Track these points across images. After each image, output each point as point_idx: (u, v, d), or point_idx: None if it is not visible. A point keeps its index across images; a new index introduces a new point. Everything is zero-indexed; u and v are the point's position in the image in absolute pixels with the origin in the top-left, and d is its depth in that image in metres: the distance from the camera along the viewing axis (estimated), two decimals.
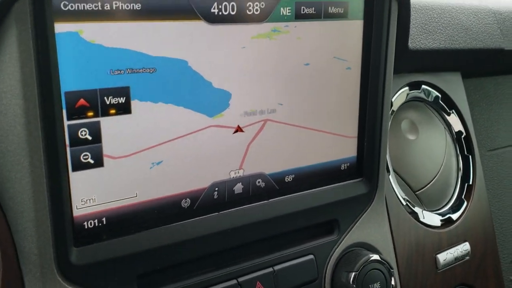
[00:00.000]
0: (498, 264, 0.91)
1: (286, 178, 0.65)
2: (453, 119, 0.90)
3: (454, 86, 0.90)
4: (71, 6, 0.46)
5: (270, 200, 0.63)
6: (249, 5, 0.56)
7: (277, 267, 0.63)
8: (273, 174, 0.64)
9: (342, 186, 0.69)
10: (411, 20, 0.76)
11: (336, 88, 0.66)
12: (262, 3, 0.57)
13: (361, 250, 0.69)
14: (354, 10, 0.65)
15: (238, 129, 0.60)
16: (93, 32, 0.48)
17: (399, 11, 0.67)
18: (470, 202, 0.88)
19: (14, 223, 0.49)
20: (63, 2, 0.45)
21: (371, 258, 0.67)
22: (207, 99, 0.56)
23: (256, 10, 0.57)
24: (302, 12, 0.60)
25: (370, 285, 0.66)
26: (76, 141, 0.49)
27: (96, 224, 0.52)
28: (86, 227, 0.51)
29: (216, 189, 0.60)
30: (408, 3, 0.67)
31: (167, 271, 0.56)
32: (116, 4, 0.48)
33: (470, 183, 0.89)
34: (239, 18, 0.56)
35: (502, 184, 1.01)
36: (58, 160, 0.47)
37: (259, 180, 0.63)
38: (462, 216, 0.86)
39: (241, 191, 0.61)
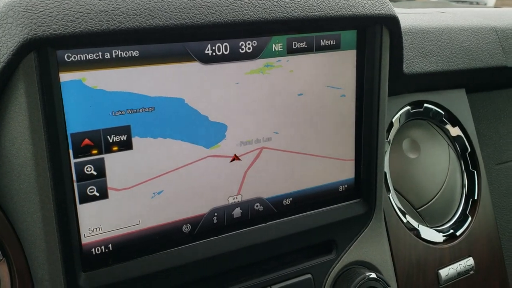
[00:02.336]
0: (505, 277, 0.92)
1: (284, 201, 0.69)
2: (457, 136, 0.91)
3: (457, 103, 0.91)
4: (74, 57, 0.51)
5: (268, 223, 0.67)
6: (242, 44, 0.60)
7: (274, 286, 0.67)
8: (271, 198, 0.68)
9: (340, 207, 0.72)
10: (407, 44, 0.79)
11: (331, 114, 0.70)
12: (254, 41, 0.61)
13: (359, 268, 0.73)
14: (346, 41, 0.68)
15: (235, 158, 0.64)
16: (95, 78, 0.53)
17: (391, 39, 0.70)
18: (474, 217, 0.90)
19: (29, 252, 0.54)
20: (66, 54, 0.51)
21: (368, 276, 0.70)
22: (204, 132, 0.61)
23: (249, 48, 0.61)
24: (293, 47, 0.64)
25: None
26: (82, 177, 0.54)
27: (103, 250, 0.57)
28: (93, 253, 0.57)
29: (216, 214, 0.64)
30: (400, 32, 0.70)
31: None
32: (115, 52, 0.53)
33: (475, 198, 0.91)
34: (232, 57, 0.60)
35: (511, 197, 1.02)
36: (65, 195, 0.53)
37: (257, 204, 0.67)
38: (466, 232, 0.88)
39: (240, 215, 0.66)
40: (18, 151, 0.50)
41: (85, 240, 0.56)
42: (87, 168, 0.54)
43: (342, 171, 0.73)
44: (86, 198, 0.55)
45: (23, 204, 0.52)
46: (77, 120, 0.53)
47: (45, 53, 0.49)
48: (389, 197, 0.81)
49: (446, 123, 0.91)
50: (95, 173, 0.55)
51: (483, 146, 0.99)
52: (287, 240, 0.68)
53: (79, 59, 0.51)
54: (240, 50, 0.60)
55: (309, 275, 0.69)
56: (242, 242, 0.65)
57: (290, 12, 0.60)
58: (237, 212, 0.65)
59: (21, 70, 0.48)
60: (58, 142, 0.51)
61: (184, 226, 0.62)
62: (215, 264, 0.63)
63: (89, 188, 0.55)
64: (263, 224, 0.67)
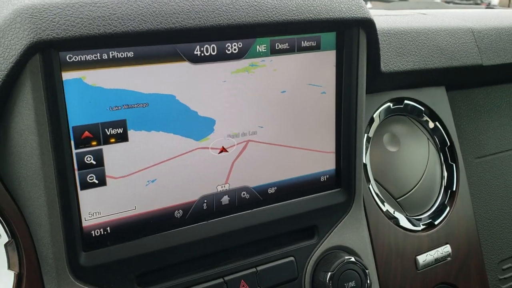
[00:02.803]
0: (481, 265, 0.97)
1: (269, 190, 0.75)
2: (437, 131, 0.97)
3: (437, 99, 0.97)
4: (75, 58, 0.57)
5: (254, 209, 0.73)
6: (228, 46, 0.66)
7: (259, 268, 0.72)
8: (256, 187, 0.73)
9: (322, 195, 0.78)
10: (385, 45, 0.85)
11: (313, 110, 0.75)
12: (240, 43, 0.67)
13: (339, 252, 0.78)
14: (326, 42, 0.74)
15: (223, 150, 0.70)
16: (94, 77, 0.58)
17: (367, 40, 0.76)
18: (453, 207, 0.95)
19: (35, 233, 0.60)
20: (68, 55, 0.56)
21: (347, 260, 0.76)
22: (194, 126, 0.66)
23: (235, 49, 0.67)
24: (276, 48, 0.70)
25: (346, 284, 0.75)
26: (83, 165, 0.60)
27: (102, 233, 0.63)
28: (93, 235, 0.63)
29: (205, 201, 0.70)
30: (375, 33, 0.75)
31: (162, 271, 0.67)
32: (112, 53, 0.59)
33: (454, 189, 0.97)
34: (219, 57, 0.66)
35: (490, 189, 1.07)
36: (67, 182, 0.58)
37: (244, 192, 0.73)
38: (444, 221, 0.93)
39: (228, 202, 0.71)
40: (25, 142, 0.56)
41: (85, 223, 0.62)
42: (87, 158, 0.60)
43: (324, 162, 0.79)
44: (86, 185, 0.61)
45: (30, 190, 0.58)
46: (78, 114, 0.59)
47: (49, 54, 0.55)
48: (369, 187, 0.87)
49: (426, 119, 0.97)
50: (94, 162, 0.61)
51: (463, 141, 1.05)
52: (272, 225, 0.73)
53: (79, 59, 0.57)
54: (226, 51, 0.66)
55: (292, 258, 0.75)
56: (229, 226, 0.70)
57: (272, 16, 0.66)
58: (225, 199, 0.71)
59: (28, 69, 0.54)
60: (61, 134, 0.57)
61: (176, 211, 0.68)
62: (204, 246, 0.69)
63: (89, 176, 0.61)
64: (249, 211, 0.73)
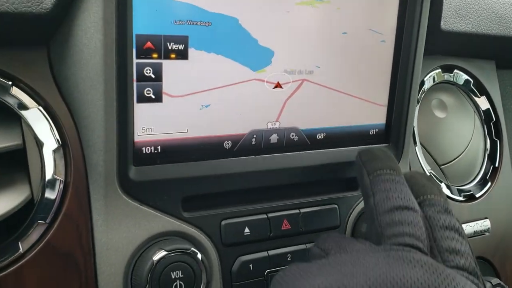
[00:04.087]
0: None
1: (317, 135, 0.73)
2: (483, 104, 0.95)
3: (486, 73, 0.95)
4: None
5: (301, 152, 0.71)
6: None
7: (303, 210, 0.71)
8: (306, 130, 0.72)
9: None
10: (445, 4, 0.83)
11: (370, 58, 0.73)
12: None
13: None
14: None
15: (278, 85, 0.68)
16: None
17: None
18: (494, 183, 0.93)
19: (86, 139, 0.59)
20: None
21: None
22: (253, 54, 0.65)
23: None
24: None
25: None
26: (141, 77, 0.59)
27: (152, 151, 0.62)
28: (144, 151, 0.61)
29: (254, 136, 0.68)
30: None
31: (207, 198, 0.65)
32: None
33: (496, 165, 0.94)
34: None
35: None
36: (126, 90, 0.57)
37: (293, 133, 0.71)
38: (485, 195, 0.91)
39: (276, 141, 0.70)
40: (89, 40, 0.55)
41: (137, 138, 0.60)
42: (146, 70, 0.59)
43: (374, 115, 0.77)
44: (142, 99, 0.59)
45: (88, 92, 0.57)
46: (142, 22, 0.57)
47: None
48: (415, 149, 0.85)
49: (474, 91, 0.94)
50: (153, 76, 0.59)
51: (508, 121, 1.02)
52: (317, 170, 0.72)
53: None
54: None
55: (335, 205, 0.73)
56: (276, 164, 0.69)
57: None
58: (274, 137, 0.69)
59: None
60: (125, 38, 0.56)
61: (226, 142, 0.66)
62: (250, 180, 0.67)
63: (146, 89, 0.59)
64: (297, 152, 0.71)
